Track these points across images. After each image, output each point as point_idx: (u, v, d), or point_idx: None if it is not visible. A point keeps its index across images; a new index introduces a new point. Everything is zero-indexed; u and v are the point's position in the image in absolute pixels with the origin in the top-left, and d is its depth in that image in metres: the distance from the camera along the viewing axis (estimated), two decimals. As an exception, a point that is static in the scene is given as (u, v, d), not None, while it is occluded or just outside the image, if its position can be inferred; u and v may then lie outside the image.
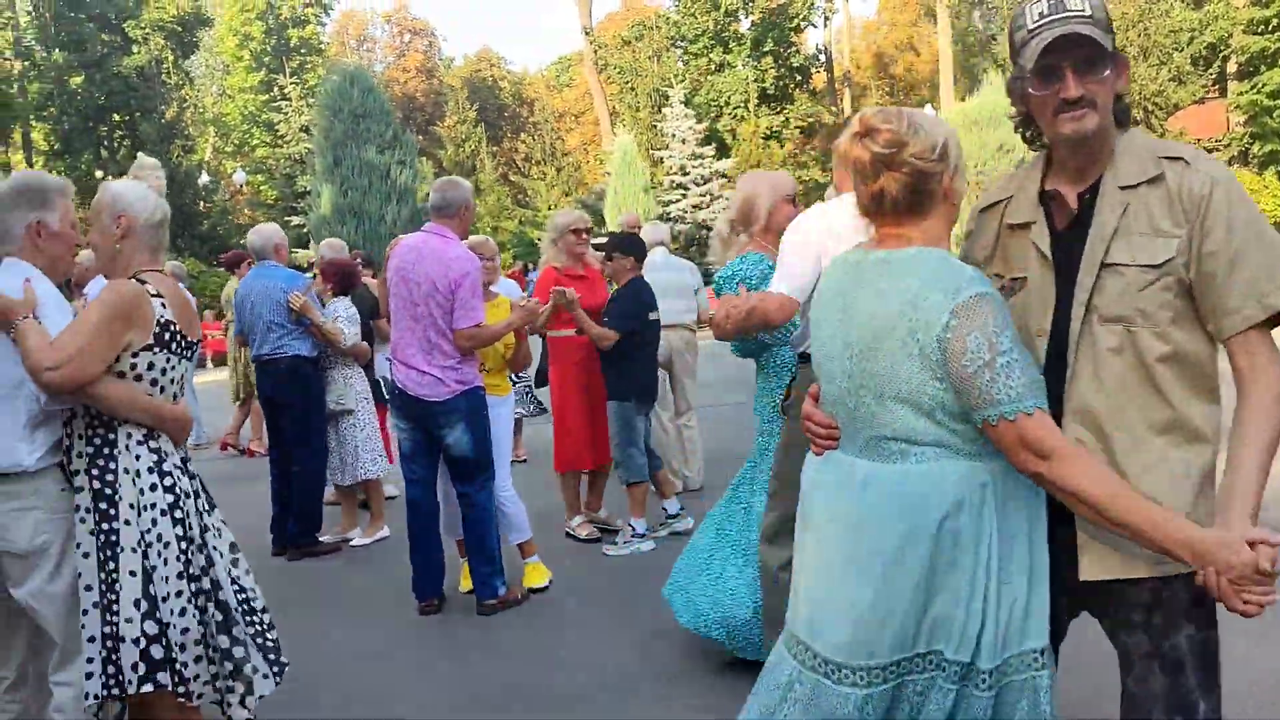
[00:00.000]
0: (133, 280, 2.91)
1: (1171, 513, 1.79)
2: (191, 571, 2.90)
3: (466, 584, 5.21)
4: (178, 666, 2.87)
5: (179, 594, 2.86)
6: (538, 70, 61.26)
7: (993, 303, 1.83)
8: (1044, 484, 1.83)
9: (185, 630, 2.86)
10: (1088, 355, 1.91)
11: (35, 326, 2.80)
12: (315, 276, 7.05)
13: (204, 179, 33.24)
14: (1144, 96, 26.77)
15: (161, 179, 4.39)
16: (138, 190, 3.03)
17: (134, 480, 2.87)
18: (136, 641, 2.83)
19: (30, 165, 36.73)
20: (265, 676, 3.04)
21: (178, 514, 2.88)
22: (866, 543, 1.89)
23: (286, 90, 36.01)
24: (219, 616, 2.93)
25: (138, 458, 2.88)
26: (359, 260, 7.90)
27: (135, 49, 36.17)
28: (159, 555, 2.85)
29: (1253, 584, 1.72)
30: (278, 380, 6.16)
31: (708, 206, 27.66)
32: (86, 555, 2.88)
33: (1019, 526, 1.90)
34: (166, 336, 2.92)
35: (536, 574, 5.28)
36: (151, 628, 2.84)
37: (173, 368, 2.96)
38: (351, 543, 6.35)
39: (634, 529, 5.89)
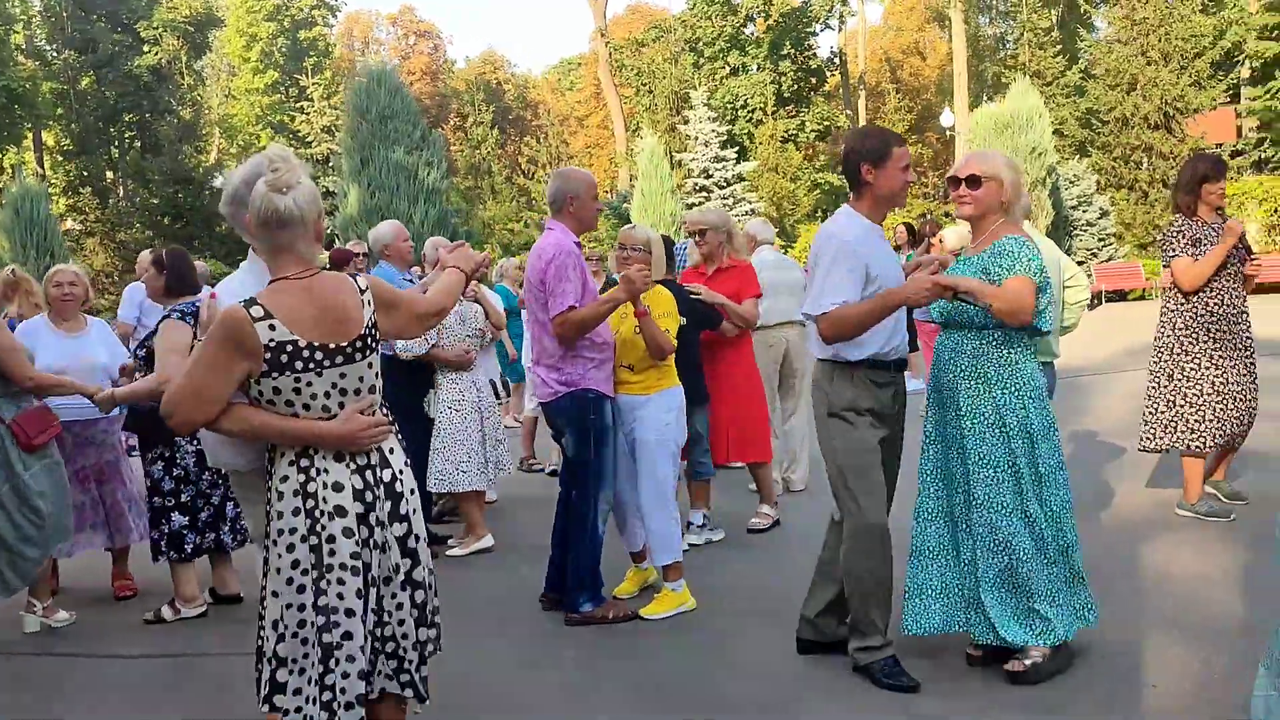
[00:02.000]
0: (238, 306, 2.72)
1: None
2: (320, 603, 2.75)
3: (623, 588, 5.12)
4: (282, 701, 2.80)
5: (303, 624, 2.77)
6: (542, 73, 61.26)
7: None
8: None
9: (305, 665, 2.77)
10: None
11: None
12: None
13: (219, 180, 33.03)
14: (1165, 101, 26.84)
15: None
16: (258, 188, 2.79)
17: (279, 500, 2.79)
18: (269, 661, 2.80)
19: (42, 166, 36.56)
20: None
21: (314, 540, 2.75)
22: None
23: (309, 91, 35.85)
24: (344, 640, 2.77)
25: (284, 479, 2.79)
26: (359, 254, 7.98)
27: (147, 49, 35.98)
28: (291, 584, 2.77)
29: None
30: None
31: (731, 209, 27.62)
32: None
33: None
34: (285, 359, 2.71)
35: (663, 603, 4.88)
36: (284, 650, 2.78)
37: (309, 385, 2.74)
38: (448, 553, 6.14)
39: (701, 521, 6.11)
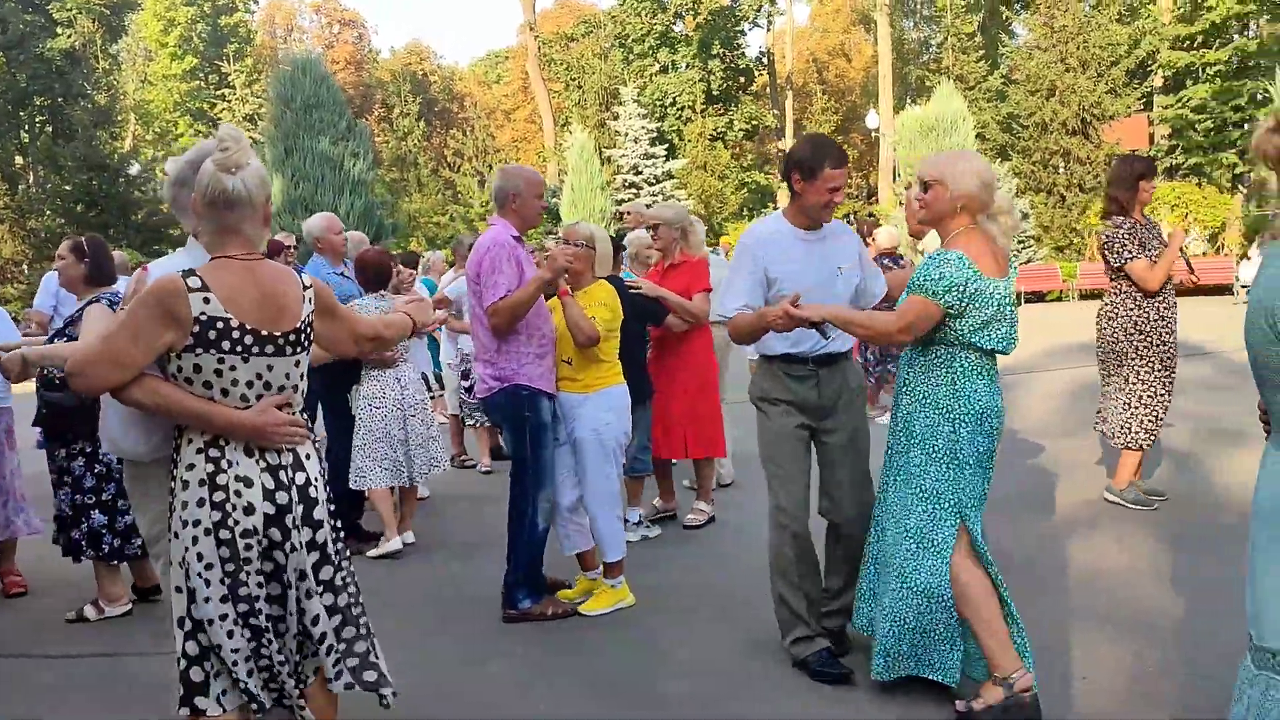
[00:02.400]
0: (175, 274, 2.60)
1: None
2: (240, 593, 2.66)
3: (568, 595, 5.05)
4: (242, 686, 2.71)
5: (224, 617, 2.66)
6: (469, 65, 60.72)
7: None
8: None
9: (236, 650, 2.68)
10: None
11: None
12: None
13: (135, 168, 32.12)
14: (1083, 108, 27.58)
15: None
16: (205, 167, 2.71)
17: (184, 489, 2.65)
18: (179, 661, 2.70)
19: (-55, 149, 35.17)
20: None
21: (224, 534, 2.62)
22: None
23: (230, 78, 35.01)
24: (270, 640, 2.72)
25: (191, 466, 2.65)
26: (289, 246, 7.90)
27: (60, 31, 34.82)
28: (199, 576, 2.64)
29: None
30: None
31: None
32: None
33: None
34: (213, 335, 2.60)
35: (602, 599, 4.87)
36: (193, 648, 2.69)
37: (232, 369, 2.63)
38: (369, 554, 5.97)
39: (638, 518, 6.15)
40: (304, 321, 2.76)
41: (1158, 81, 33.07)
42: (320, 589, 2.79)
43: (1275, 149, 2.04)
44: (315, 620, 2.78)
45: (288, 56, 27.27)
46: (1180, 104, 31.13)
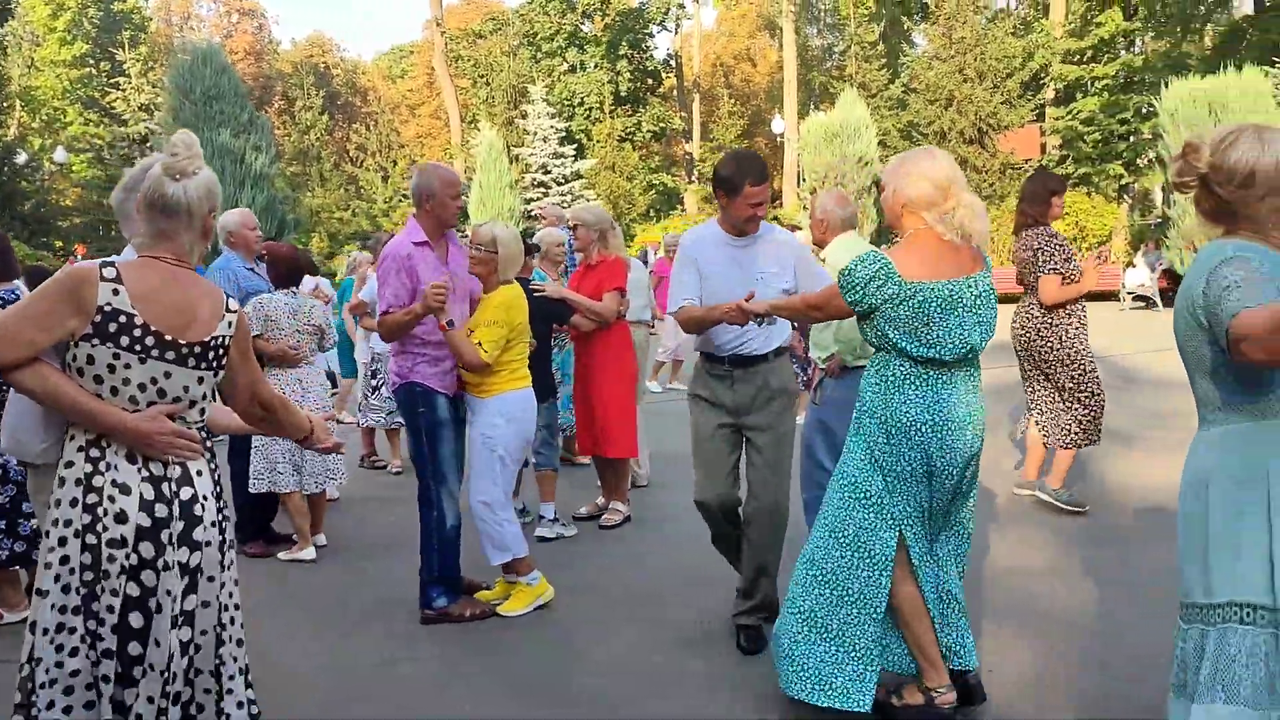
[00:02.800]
0: (93, 263, 2.59)
1: None
2: (93, 608, 2.48)
3: (489, 595, 5.03)
4: (34, 713, 2.49)
5: (70, 630, 2.49)
6: (373, 59, 59.81)
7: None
8: None
9: (70, 671, 2.49)
10: None
11: None
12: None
13: (21, 157, 30.86)
14: (980, 117, 28.43)
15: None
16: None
17: (60, 486, 2.53)
18: (22, 667, 2.51)
19: None
20: None
21: (90, 539, 2.48)
22: None
23: (125, 66, 33.82)
24: (118, 669, 2.51)
25: (69, 464, 2.54)
26: None
27: (-62, 12, 33.24)
28: (55, 580, 2.49)
29: None
30: None
31: (568, 206, 27.65)
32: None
33: None
34: (113, 329, 2.51)
35: (519, 599, 4.87)
36: (44, 671, 2.49)
37: (126, 366, 2.53)
38: (279, 555, 5.92)
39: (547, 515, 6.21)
40: (215, 339, 2.66)
41: (1050, 94, 34.27)
42: (181, 620, 2.60)
43: (1178, 173, 2.21)
44: (188, 645, 2.62)
45: (186, 45, 26.53)
46: (1070, 116, 32.29)
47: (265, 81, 50.93)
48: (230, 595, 2.75)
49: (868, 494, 3.47)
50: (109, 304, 2.50)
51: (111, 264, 2.57)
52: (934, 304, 3.33)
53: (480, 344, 4.63)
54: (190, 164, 2.62)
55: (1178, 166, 2.29)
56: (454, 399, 4.80)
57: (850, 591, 3.49)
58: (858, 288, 3.36)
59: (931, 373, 3.39)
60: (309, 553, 5.90)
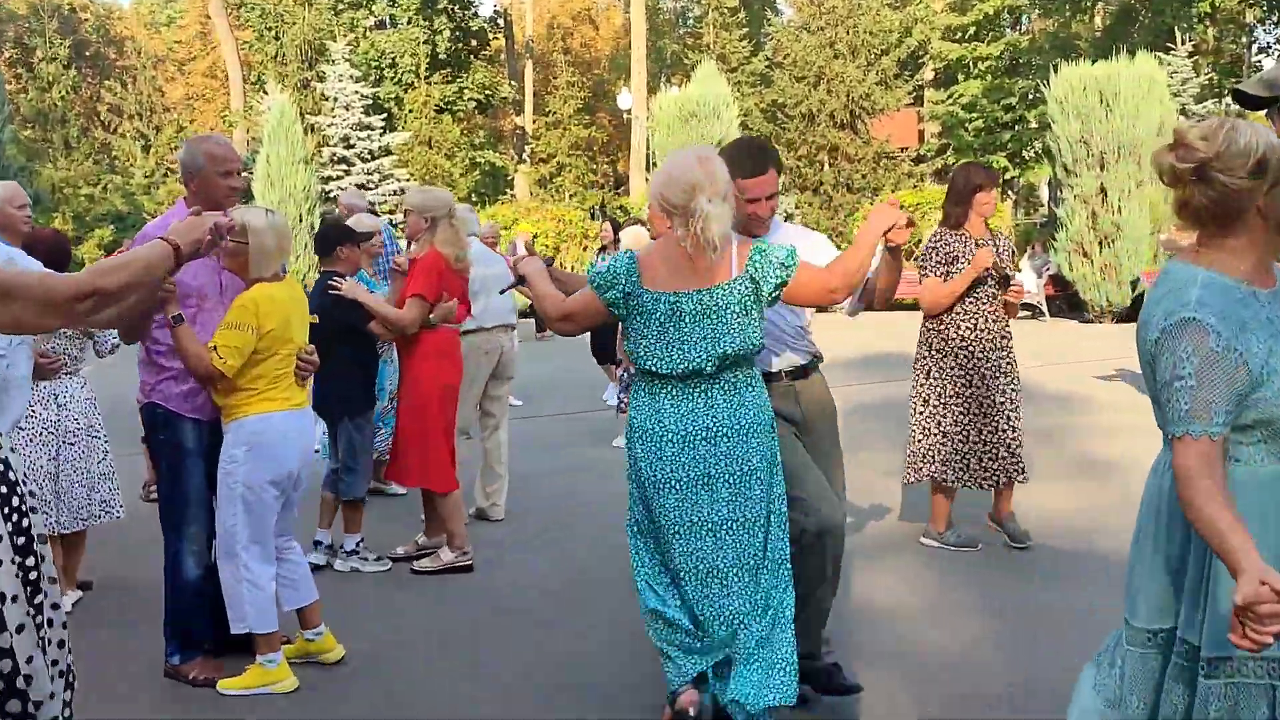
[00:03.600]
0: None
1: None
2: None
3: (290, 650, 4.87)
4: None
5: None
6: (131, 3, 57.65)
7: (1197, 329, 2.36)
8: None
9: None
10: None
11: None
12: None
13: None
14: (852, 99, 29.50)
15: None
16: None
17: None
18: None
19: None
20: None
21: None
22: None
23: None
24: None
25: None
26: None
27: None
28: None
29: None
30: None
31: (376, 187, 27.22)
32: None
33: None
34: None
35: (247, 677, 4.60)
36: None
37: None
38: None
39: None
40: None
41: (929, 75, 35.87)
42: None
43: (1169, 167, 2.43)
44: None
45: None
46: (951, 100, 33.92)
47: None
48: None
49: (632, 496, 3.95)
50: None
51: None
52: (667, 315, 3.66)
53: (215, 347, 4.38)
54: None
55: (1175, 155, 2.43)
56: (212, 424, 4.67)
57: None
58: (615, 285, 3.74)
59: (658, 385, 3.76)
60: (64, 604, 5.64)
